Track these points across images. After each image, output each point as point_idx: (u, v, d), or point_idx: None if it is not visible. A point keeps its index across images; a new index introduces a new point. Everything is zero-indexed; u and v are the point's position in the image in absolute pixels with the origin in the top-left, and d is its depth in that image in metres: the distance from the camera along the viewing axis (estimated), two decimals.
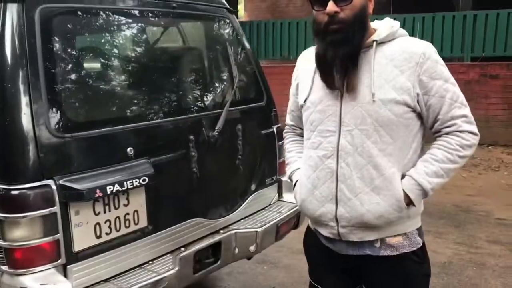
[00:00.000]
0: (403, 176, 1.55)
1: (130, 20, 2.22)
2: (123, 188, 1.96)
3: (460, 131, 1.55)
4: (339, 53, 1.50)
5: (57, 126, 1.85)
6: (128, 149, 2.07)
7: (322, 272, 1.78)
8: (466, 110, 1.57)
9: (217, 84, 2.66)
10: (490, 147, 7.45)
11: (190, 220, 2.37)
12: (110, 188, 1.91)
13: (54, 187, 1.81)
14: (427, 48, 1.54)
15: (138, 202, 2.12)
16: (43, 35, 1.87)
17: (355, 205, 1.53)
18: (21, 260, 1.79)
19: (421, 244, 1.64)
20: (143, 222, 2.15)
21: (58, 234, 1.84)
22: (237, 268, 3.64)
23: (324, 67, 1.57)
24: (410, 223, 1.61)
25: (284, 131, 1.97)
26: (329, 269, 1.74)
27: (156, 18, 2.37)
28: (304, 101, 1.67)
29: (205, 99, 2.51)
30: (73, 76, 1.96)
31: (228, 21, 2.77)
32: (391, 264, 1.61)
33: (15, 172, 1.79)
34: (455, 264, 3.79)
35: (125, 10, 2.18)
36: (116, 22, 2.16)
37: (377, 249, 1.60)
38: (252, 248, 2.61)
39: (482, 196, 5.67)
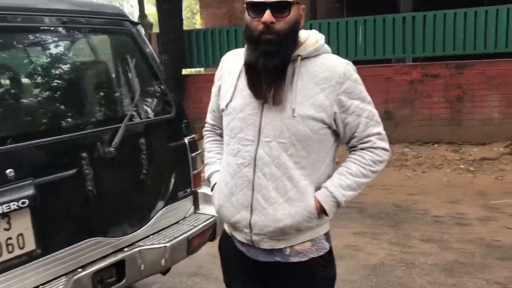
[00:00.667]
0: (318, 188, 1.62)
1: (12, 36, 2.15)
2: None
3: (374, 148, 1.64)
4: (270, 64, 1.51)
5: None
6: (8, 171, 1.99)
7: (235, 276, 1.81)
8: (381, 128, 1.66)
9: (115, 99, 2.60)
10: (434, 145, 7.61)
11: (88, 239, 2.29)
12: None
13: None
14: (347, 68, 1.60)
15: (23, 225, 2.04)
16: None
17: (269, 214, 1.58)
18: None
19: (328, 249, 1.70)
20: (30, 246, 2.07)
21: None
22: (166, 283, 3.58)
23: (253, 76, 1.56)
24: (319, 229, 1.67)
25: (204, 129, 1.95)
26: (242, 273, 1.77)
27: (44, 34, 2.30)
28: (226, 106, 1.67)
29: (100, 114, 2.45)
30: None
31: (130, 33, 2.72)
32: (300, 269, 1.66)
33: None
34: (386, 265, 3.83)
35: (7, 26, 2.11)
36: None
37: (287, 256, 1.65)
38: (162, 263, 2.56)
39: (423, 194, 5.78)
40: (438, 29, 7.70)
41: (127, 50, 2.72)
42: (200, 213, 2.95)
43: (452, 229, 4.56)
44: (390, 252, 4.07)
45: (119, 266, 2.40)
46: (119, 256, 2.40)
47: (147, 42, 2.85)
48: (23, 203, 1.98)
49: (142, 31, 2.80)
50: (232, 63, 1.72)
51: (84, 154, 2.28)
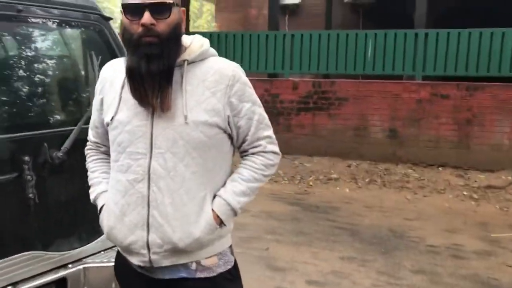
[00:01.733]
0: (214, 197, 1.57)
1: None
2: None
3: (265, 152, 1.62)
4: (154, 68, 1.43)
5: None
6: None
7: None
8: (270, 131, 1.65)
9: (71, 98, 2.37)
10: (439, 168, 7.29)
11: (24, 253, 2.05)
12: None
13: None
14: (236, 70, 1.57)
15: None
16: None
17: (167, 231, 1.50)
18: None
19: (233, 262, 1.65)
20: None
21: None
22: None
23: (136, 82, 1.46)
24: (223, 242, 1.61)
25: (86, 148, 1.81)
26: None
27: None
28: (111, 120, 1.56)
29: (52, 114, 2.22)
30: None
31: (98, 29, 2.49)
32: (207, 285, 1.58)
33: None
34: None
35: None
36: None
37: (193, 271, 1.57)
38: (112, 285, 2.31)
39: (420, 220, 5.48)
40: (451, 48, 7.40)
41: (93, 46, 2.49)
42: None
43: (446, 261, 4.26)
44: (376, 283, 3.79)
45: (61, 285, 2.17)
46: (61, 273, 2.16)
47: (119, 39, 2.62)
48: None
49: (114, 29, 2.57)
50: (114, 74, 1.62)
51: (26, 158, 2.04)
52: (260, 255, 4.24)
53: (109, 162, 1.68)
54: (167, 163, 1.49)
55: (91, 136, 1.77)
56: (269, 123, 1.65)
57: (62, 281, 2.16)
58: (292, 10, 13.93)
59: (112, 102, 1.57)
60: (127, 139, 1.52)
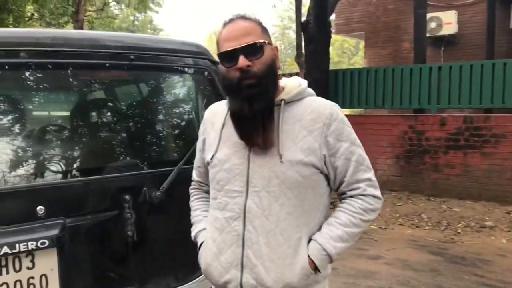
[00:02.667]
0: (309, 240, 1.52)
1: (61, 74, 2.14)
2: (14, 251, 1.83)
3: (364, 195, 1.55)
4: (256, 108, 1.47)
5: None
6: (38, 208, 1.95)
7: None
8: (371, 174, 1.58)
9: (173, 140, 2.45)
10: None
11: None
12: None
13: None
14: (334, 109, 1.55)
15: (47, 266, 1.97)
16: None
17: (260, 272, 1.49)
18: None
19: None
20: None
21: None
22: None
23: (241, 124, 1.52)
24: (318, 287, 1.56)
25: (190, 187, 1.87)
26: None
27: (104, 71, 2.27)
28: (211, 158, 1.61)
29: (153, 155, 2.32)
30: None
31: (206, 73, 2.57)
32: None
33: None
34: None
35: (60, 63, 2.11)
36: (48, 77, 2.10)
37: None
38: None
39: None
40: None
41: (200, 89, 2.57)
42: None
43: None
44: None
45: None
46: None
47: None
48: (48, 243, 1.91)
49: None
50: (214, 116, 1.69)
51: (127, 197, 2.15)
52: None
53: (209, 201, 1.71)
54: (262, 202, 1.49)
55: (194, 175, 1.83)
56: (369, 165, 1.59)
57: None
58: (448, 41, 13.12)
59: (213, 141, 1.63)
60: (225, 177, 1.55)
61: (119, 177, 2.17)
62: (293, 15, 12.58)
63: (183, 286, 2.34)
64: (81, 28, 14.98)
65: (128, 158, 2.30)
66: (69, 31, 2.36)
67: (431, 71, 7.74)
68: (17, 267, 1.91)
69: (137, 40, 2.40)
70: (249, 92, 1.46)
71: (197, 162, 1.80)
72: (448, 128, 7.42)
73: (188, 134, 2.48)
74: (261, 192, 1.49)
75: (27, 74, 2.05)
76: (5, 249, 1.82)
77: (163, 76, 2.52)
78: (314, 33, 8.39)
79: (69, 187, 2.06)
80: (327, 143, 1.51)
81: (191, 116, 2.49)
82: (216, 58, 1.67)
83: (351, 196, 1.56)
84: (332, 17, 12.43)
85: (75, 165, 2.13)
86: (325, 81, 8.60)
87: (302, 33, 8.84)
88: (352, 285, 4.38)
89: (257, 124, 1.48)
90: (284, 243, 1.48)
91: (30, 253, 1.92)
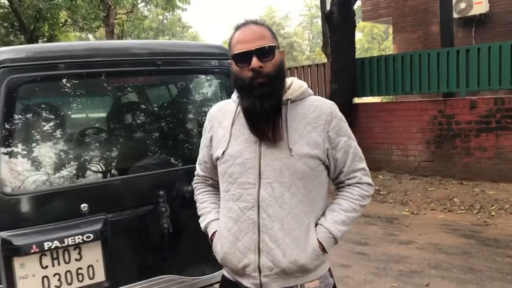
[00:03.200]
0: (316, 225, 1.69)
1: (98, 82, 2.35)
2: (63, 245, 2.05)
3: (360, 183, 1.75)
4: (267, 105, 1.62)
5: (5, 186, 2.03)
6: (82, 205, 2.16)
7: None
8: (364, 164, 1.78)
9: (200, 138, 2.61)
10: None
11: (160, 276, 2.34)
12: (48, 244, 2.02)
13: None
14: (333, 108, 1.74)
15: (93, 257, 2.19)
16: (5, 102, 2.10)
17: (277, 255, 1.63)
18: None
19: (333, 284, 1.77)
20: (100, 277, 2.20)
21: (1, 285, 1.99)
22: None
23: (253, 120, 1.65)
24: (324, 266, 1.73)
25: (194, 182, 1.99)
26: None
27: (132, 77, 2.47)
28: (222, 154, 1.73)
29: (185, 153, 2.50)
30: (27, 140, 2.16)
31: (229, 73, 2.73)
32: None
33: None
34: None
35: (94, 72, 2.32)
36: (83, 85, 2.32)
37: None
38: None
39: None
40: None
41: (223, 89, 2.73)
42: None
43: None
44: None
45: None
46: None
47: None
48: (92, 236, 2.12)
49: None
50: (222, 114, 1.82)
51: (161, 192, 2.34)
52: None
53: (216, 194, 1.88)
54: (274, 192, 1.63)
55: (199, 170, 1.96)
56: (362, 156, 1.77)
57: None
58: (479, 21, 12.84)
59: (223, 138, 1.75)
60: (238, 170, 1.68)
61: (154, 174, 2.36)
62: None
63: (217, 272, 2.51)
64: (112, 31, 15.43)
65: (161, 156, 2.49)
66: (99, 42, 2.57)
67: (459, 54, 7.66)
68: (67, 259, 2.14)
69: (162, 46, 2.59)
70: (261, 90, 1.60)
71: (202, 157, 1.92)
72: (478, 111, 7.35)
73: None
74: (274, 183, 1.63)
75: (66, 83, 2.27)
76: (56, 243, 2.04)
77: (189, 78, 2.70)
78: (338, 23, 8.42)
79: (109, 185, 2.27)
80: (329, 137, 1.68)
81: None
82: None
83: (349, 185, 1.74)
84: (358, 3, 12.36)
85: (113, 165, 2.34)
86: (352, 70, 8.63)
87: (327, 23, 8.87)
88: (383, 269, 4.48)
89: (268, 120, 1.62)
90: (296, 228, 1.63)
91: (77, 246, 2.14)
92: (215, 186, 1.89)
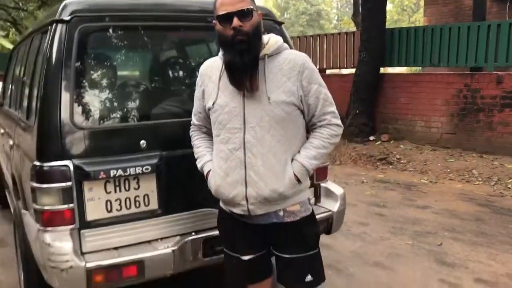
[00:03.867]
0: (292, 160, 1.99)
1: (157, 34, 2.63)
2: (126, 174, 2.37)
3: (330, 124, 2.03)
4: (245, 59, 1.89)
5: (77, 121, 2.35)
6: (141, 142, 2.47)
7: (237, 240, 2.16)
8: (334, 108, 2.05)
9: None
10: None
11: (203, 209, 2.65)
12: (113, 172, 2.34)
13: (71, 167, 2.31)
14: (305, 59, 1.99)
15: (149, 188, 2.51)
16: (78, 48, 2.39)
17: (261, 186, 1.95)
18: (46, 220, 2.33)
19: (311, 210, 2.12)
20: (153, 205, 2.53)
21: (73, 204, 2.33)
22: None
23: (233, 72, 1.94)
24: (303, 194, 2.08)
25: (191, 130, 2.29)
26: (242, 237, 2.13)
27: (187, 31, 2.74)
28: (213, 104, 2.04)
29: None
30: (95, 82, 2.46)
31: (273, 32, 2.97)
32: (293, 228, 2.05)
33: (45, 153, 2.34)
34: None
35: (154, 25, 2.60)
36: (143, 36, 2.60)
37: (281, 217, 2.04)
38: None
39: None
40: None
41: None
42: (320, 206, 3.06)
43: None
44: None
45: None
46: None
47: (290, 43, 3.05)
48: (150, 169, 2.44)
49: (285, 31, 3.02)
50: (211, 70, 2.09)
51: None
52: (430, 249, 4.23)
53: (209, 140, 2.18)
54: (257, 134, 1.93)
55: (194, 120, 2.25)
56: (332, 101, 2.04)
57: None
58: None
59: (212, 91, 2.04)
60: (226, 118, 1.98)
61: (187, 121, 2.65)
62: None
63: None
64: None
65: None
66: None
67: (490, 28, 7.69)
68: (127, 187, 2.46)
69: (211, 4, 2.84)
70: (240, 47, 1.86)
71: (197, 108, 2.20)
72: (504, 86, 7.44)
73: None
74: (256, 127, 1.92)
75: (130, 33, 2.56)
76: (120, 172, 2.37)
77: None
78: None
79: (165, 126, 2.57)
80: (302, 86, 1.95)
81: None
82: None
83: (320, 126, 2.02)
84: None
85: (169, 109, 2.64)
86: (381, 39, 8.73)
87: None
88: (399, 229, 4.78)
89: (246, 72, 1.90)
90: (276, 164, 1.94)
91: (136, 176, 2.46)
92: (208, 133, 2.18)
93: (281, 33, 2.97)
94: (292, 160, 1.99)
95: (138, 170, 2.41)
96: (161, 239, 2.57)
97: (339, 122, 2.05)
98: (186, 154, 2.56)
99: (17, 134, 3.09)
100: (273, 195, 1.95)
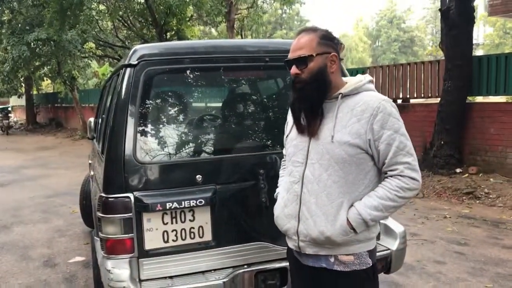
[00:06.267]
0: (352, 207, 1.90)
1: (213, 74, 2.80)
2: (181, 206, 2.52)
3: (401, 175, 1.87)
4: (302, 106, 1.96)
5: (139, 156, 2.56)
6: (197, 176, 2.62)
7: (293, 273, 2.20)
8: (411, 159, 1.88)
9: None
10: None
11: (256, 243, 2.72)
12: (169, 204, 2.50)
13: (132, 198, 2.51)
14: (382, 103, 1.88)
15: (203, 220, 2.64)
16: (143, 90, 2.62)
17: (310, 224, 1.92)
18: (109, 248, 2.54)
19: (370, 264, 1.95)
20: (207, 237, 2.65)
21: (133, 234, 2.52)
22: None
23: (294, 115, 2.03)
24: (361, 246, 1.94)
25: (282, 160, 2.35)
26: (295, 273, 2.16)
27: (245, 71, 2.88)
28: (286, 137, 2.15)
29: (281, 139, 2.85)
30: (157, 120, 2.66)
31: None
32: (343, 278, 1.93)
33: (110, 185, 2.56)
34: None
35: (210, 66, 2.78)
36: (201, 77, 2.78)
37: (331, 264, 1.95)
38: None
39: None
40: None
41: None
42: (379, 243, 2.98)
43: None
44: None
45: (283, 272, 2.74)
46: (283, 263, 2.73)
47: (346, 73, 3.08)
48: (204, 202, 2.57)
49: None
50: None
51: (261, 171, 2.72)
52: None
53: None
54: (315, 171, 1.92)
55: (283, 151, 2.30)
56: (411, 151, 1.88)
57: (284, 270, 2.72)
58: None
59: (288, 125, 2.16)
60: (292, 151, 2.04)
61: (257, 155, 2.76)
62: None
63: None
64: (233, 26, 16.32)
65: (263, 140, 2.88)
66: (218, 41, 3.04)
67: None
68: (183, 219, 2.61)
69: (269, 44, 2.97)
70: (298, 94, 1.94)
71: (284, 141, 2.25)
72: None
73: None
74: (315, 164, 1.91)
75: (190, 75, 2.75)
76: (175, 204, 2.52)
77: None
78: (455, 19, 8.16)
79: (219, 162, 2.70)
80: (372, 129, 1.85)
81: None
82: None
83: (390, 176, 1.88)
84: None
85: (223, 145, 2.78)
86: (467, 68, 8.32)
87: (443, 20, 8.62)
88: (479, 270, 4.45)
89: (305, 117, 1.95)
90: (328, 204, 1.88)
91: (191, 209, 2.60)
92: None
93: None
94: (351, 206, 1.90)
95: (193, 203, 2.55)
96: (214, 270, 2.67)
97: (414, 175, 1.86)
98: (239, 188, 2.67)
99: (95, 166, 3.41)
100: (320, 237, 1.89)
